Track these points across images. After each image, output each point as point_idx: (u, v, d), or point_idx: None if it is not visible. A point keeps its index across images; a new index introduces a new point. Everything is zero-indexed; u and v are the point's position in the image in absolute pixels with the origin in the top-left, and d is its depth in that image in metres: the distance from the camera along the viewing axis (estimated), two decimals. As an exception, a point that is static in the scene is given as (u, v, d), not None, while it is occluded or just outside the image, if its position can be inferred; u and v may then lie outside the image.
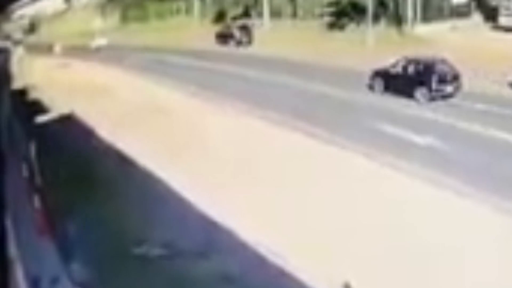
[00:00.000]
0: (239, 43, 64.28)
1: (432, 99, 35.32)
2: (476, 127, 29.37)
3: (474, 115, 31.61)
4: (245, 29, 66.15)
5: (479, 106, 33.42)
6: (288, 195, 22.88)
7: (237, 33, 65.17)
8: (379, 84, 38.38)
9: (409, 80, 36.35)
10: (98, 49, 72.71)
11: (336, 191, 22.82)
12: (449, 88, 35.63)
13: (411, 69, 36.74)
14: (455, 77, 35.98)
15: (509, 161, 24.94)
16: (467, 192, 21.65)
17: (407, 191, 22.52)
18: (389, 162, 25.46)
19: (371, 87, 38.96)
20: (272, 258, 18.33)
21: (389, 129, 30.23)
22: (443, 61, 36.88)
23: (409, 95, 35.96)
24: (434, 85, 35.35)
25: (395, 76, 37.34)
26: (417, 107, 34.48)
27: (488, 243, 18.33)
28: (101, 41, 76.87)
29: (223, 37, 66.15)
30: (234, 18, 79.99)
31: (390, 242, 18.69)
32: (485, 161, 24.98)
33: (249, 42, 64.47)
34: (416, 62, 36.92)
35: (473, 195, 21.46)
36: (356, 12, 62.16)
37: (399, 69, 37.33)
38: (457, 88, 35.84)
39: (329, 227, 19.92)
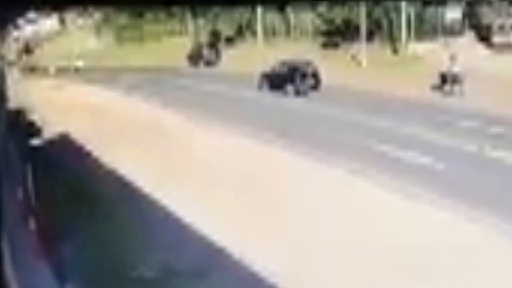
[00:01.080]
0: (207, 63, 66.16)
1: (297, 92, 46.61)
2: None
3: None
4: (213, 48, 68.79)
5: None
6: (285, 214, 22.85)
7: (206, 53, 67.43)
8: (265, 83, 49.07)
9: (282, 78, 47.65)
10: (77, 70, 73.05)
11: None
12: (310, 82, 47.27)
13: (284, 70, 48.33)
14: (314, 74, 47.79)
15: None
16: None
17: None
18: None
19: (259, 87, 49.17)
20: (269, 278, 18.27)
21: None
22: (307, 63, 48.66)
23: (283, 89, 47.24)
24: (298, 81, 47.06)
25: (275, 76, 48.52)
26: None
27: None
28: (79, 63, 77.07)
29: (194, 58, 67.74)
30: (228, 39, 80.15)
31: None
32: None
33: (217, 60, 66.69)
34: (287, 64, 48.73)
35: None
36: (350, 30, 62.31)
37: (277, 70, 48.76)
38: (318, 82, 47.58)
39: (325, 246, 19.91)
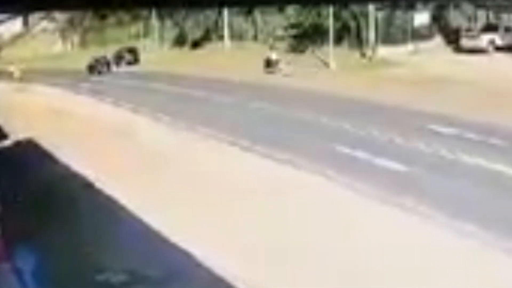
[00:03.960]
0: (128, 63, 76.40)
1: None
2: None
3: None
4: (133, 51, 78.74)
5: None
6: (251, 221, 22.54)
7: (126, 55, 77.80)
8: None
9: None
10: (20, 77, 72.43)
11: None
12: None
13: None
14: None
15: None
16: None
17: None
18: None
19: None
20: (236, 284, 18.02)
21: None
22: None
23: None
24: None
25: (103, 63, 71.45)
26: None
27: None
28: (15, 70, 75.78)
29: (117, 58, 77.03)
30: (195, 42, 79.83)
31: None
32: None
33: (136, 61, 77.28)
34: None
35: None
36: (318, 34, 62.17)
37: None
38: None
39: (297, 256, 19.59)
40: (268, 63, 58.29)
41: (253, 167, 29.79)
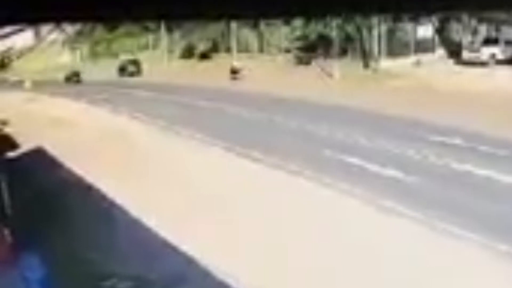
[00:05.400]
0: (131, 74, 79.83)
1: None
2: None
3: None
4: (135, 63, 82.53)
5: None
6: (258, 228, 22.94)
7: (128, 66, 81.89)
8: None
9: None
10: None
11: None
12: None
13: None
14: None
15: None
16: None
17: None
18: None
19: None
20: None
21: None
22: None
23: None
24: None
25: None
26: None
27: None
28: (27, 81, 77.19)
29: (121, 70, 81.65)
30: (203, 54, 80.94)
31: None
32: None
33: (138, 72, 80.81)
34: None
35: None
36: (323, 46, 63.19)
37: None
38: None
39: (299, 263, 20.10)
40: (233, 71, 65.89)
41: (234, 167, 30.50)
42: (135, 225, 23.79)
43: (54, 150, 36.83)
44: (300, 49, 67.43)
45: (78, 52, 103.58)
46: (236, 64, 67.26)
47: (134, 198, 26.05)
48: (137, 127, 43.81)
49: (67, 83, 78.15)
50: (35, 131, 42.43)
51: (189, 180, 29.27)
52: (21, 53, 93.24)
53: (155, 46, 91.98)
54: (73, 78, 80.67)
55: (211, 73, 69.50)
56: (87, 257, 20.60)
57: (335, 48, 58.64)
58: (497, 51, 55.47)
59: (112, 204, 26.37)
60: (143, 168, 31.90)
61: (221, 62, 73.61)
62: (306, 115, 41.95)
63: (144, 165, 32.40)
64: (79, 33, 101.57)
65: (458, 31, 61.48)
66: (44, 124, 45.22)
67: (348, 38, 61.74)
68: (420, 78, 52.54)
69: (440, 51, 61.13)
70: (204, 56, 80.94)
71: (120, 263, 20.29)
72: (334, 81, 56.36)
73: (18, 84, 75.75)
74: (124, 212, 25.18)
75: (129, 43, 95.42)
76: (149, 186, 28.36)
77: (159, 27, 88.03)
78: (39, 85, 72.15)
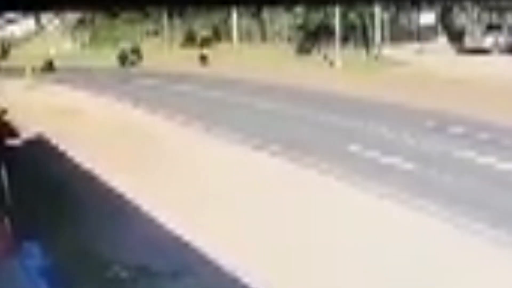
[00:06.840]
0: (132, 63, 79.06)
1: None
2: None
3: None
4: (136, 52, 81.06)
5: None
6: (262, 219, 22.81)
7: (129, 55, 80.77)
8: None
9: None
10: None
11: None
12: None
13: None
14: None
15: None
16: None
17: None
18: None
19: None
20: (247, 280, 18.22)
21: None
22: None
23: None
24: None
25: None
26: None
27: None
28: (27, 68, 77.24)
29: (121, 59, 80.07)
30: (203, 41, 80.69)
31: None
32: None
33: (139, 59, 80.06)
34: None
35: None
36: (325, 34, 62.92)
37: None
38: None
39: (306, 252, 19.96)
40: (202, 57, 70.55)
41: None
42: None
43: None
44: (302, 37, 67.15)
45: (78, 40, 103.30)
46: (205, 51, 71.59)
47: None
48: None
49: (42, 72, 76.48)
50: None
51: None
52: (24, 39, 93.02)
53: (156, 33, 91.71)
54: (47, 67, 79.62)
55: (210, 62, 69.35)
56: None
57: (337, 36, 58.30)
58: (500, 38, 55.22)
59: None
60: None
61: (223, 50, 73.50)
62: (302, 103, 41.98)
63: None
64: (80, 21, 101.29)
65: (461, 18, 61.21)
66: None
67: (350, 26, 61.47)
68: (422, 66, 52.34)
69: (443, 39, 60.88)
70: (205, 43, 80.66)
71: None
72: (335, 69, 56.14)
73: (19, 72, 75.67)
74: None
75: (130, 30, 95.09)
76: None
77: (160, 14, 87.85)
78: (39, 73, 72.07)
